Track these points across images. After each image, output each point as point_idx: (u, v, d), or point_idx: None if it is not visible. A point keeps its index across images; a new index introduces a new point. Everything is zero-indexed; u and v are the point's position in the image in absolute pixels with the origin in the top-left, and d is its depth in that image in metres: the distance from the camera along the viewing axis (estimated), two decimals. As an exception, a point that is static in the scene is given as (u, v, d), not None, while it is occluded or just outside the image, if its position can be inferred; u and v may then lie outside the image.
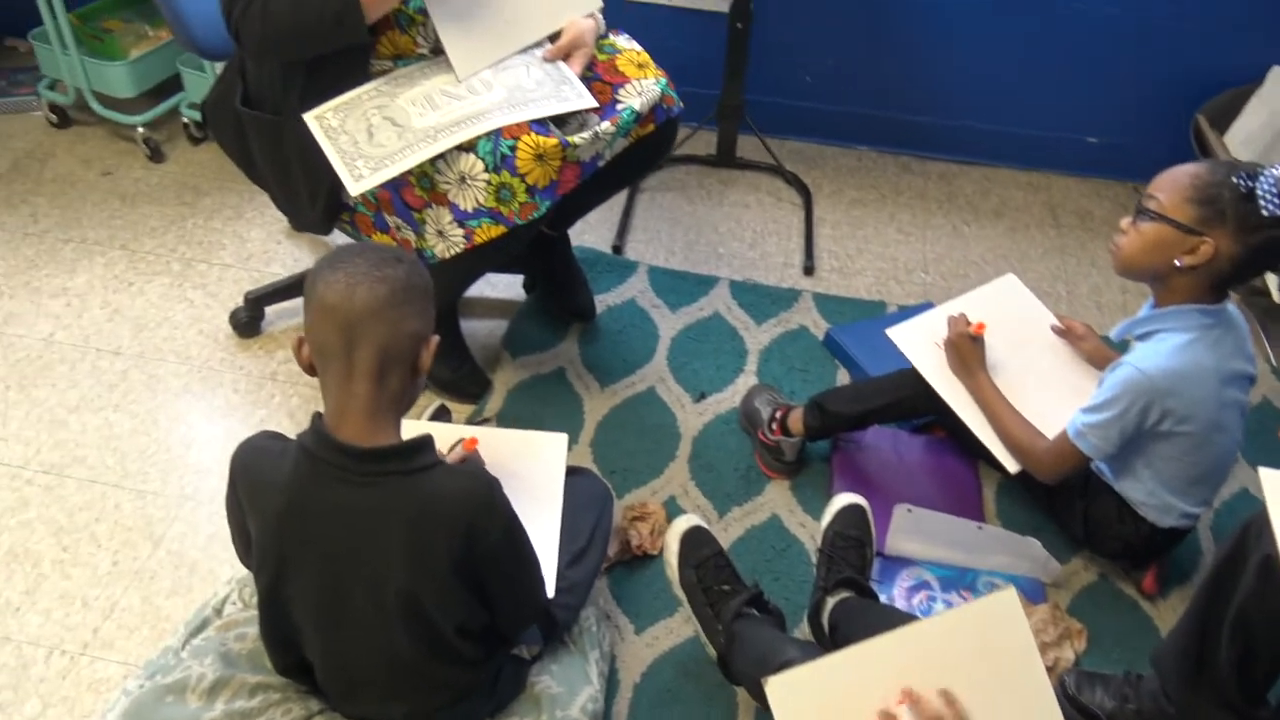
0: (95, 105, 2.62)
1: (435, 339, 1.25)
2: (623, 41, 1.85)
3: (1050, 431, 1.69)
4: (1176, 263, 1.53)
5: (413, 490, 1.21)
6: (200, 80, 2.60)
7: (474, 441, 1.56)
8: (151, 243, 2.41)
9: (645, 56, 1.83)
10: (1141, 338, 1.61)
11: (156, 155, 2.66)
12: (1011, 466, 1.73)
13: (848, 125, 2.84)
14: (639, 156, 1.84)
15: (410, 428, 1.29)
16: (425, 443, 1.23)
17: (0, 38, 3.09)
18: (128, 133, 2.70)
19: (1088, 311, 2.38)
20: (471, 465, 1.50)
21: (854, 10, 2.60)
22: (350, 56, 1.65)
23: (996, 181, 2.79)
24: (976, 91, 2.72)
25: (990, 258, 2.53)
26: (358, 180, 1.57)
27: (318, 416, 1.23)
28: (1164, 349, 1.55)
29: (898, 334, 1.86)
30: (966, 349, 1.77)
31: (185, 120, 2.70)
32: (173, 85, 2.70)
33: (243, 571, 1.52)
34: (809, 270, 2.46)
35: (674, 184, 2.69)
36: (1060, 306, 2.38)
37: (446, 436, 1.56)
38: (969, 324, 1.79)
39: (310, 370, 1.23)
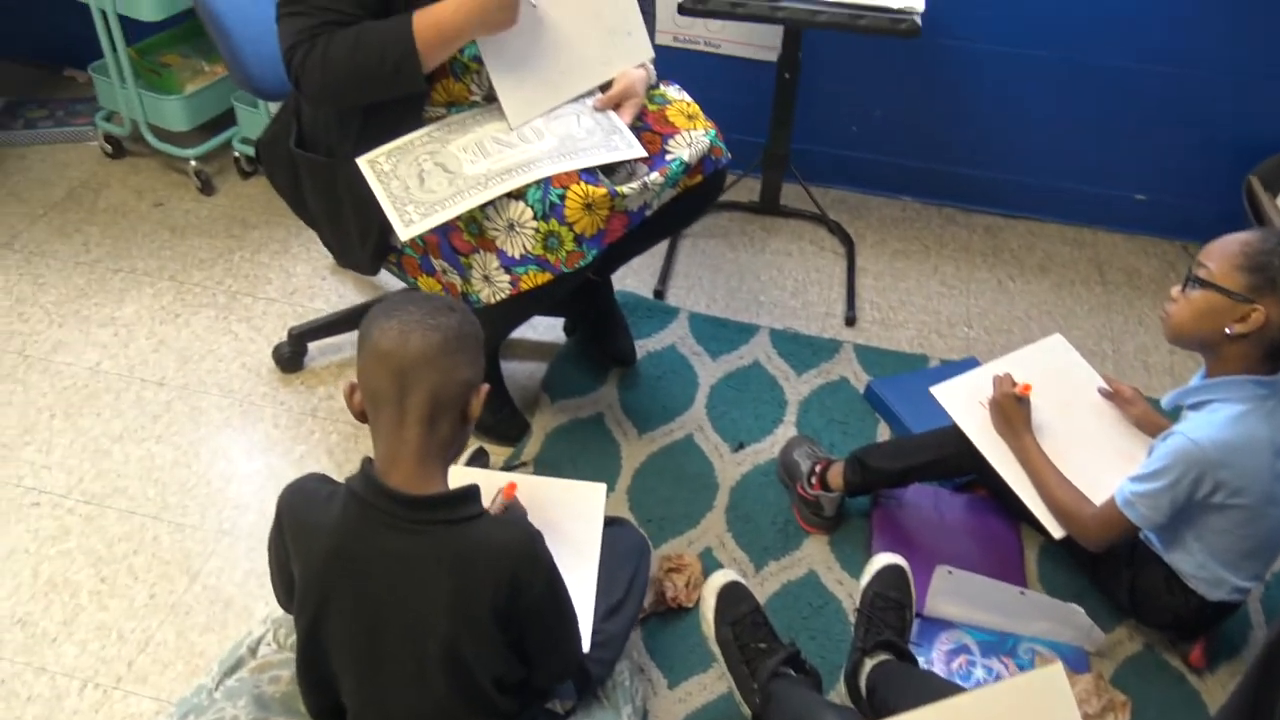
0: (150, 138, 2.67)
1: (485, 387, 1.27)
2: (673, 92, 1.86)
3: (1096, 497, 1.66)
4: (1227, 330, 1.52)
5: (458, 540, 1.21)
6: (253, 115, 2.65)
7: (513, 487, 1.56)
8: (199, 275, 2.44)
9: (695, 108, 1.84)
10: (1194, 407, 1.59)
11: (207, 188, 2.70)
12: (1056, 532, 1.70)
13: (892, 175, 2.84)
14: (685, 206, 1.85)
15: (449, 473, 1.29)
16: (472, 492, 1.24)
17: (60, 68, 3.17)
18: (180, 165, 2.74)
19: (1135, 372, 2.34)
20: (515, 516, 1.50)
21: (901, 62, 2.60)
22: (405, 103, 1.67)
23: (1042, 236, 2.77)
24: (1022, 145, 2.70)
25: (1035, 314, 2.50)
26: (408, 225, 1.59)
27: (368, 462, 1.24)
28: (1217, 420, 1.52)
29: (942, 392, 1.84)
30: (1012, 409, 1.75)
31: (236, 154, 2.74)
32: (226, 119, 2.75)
33: (278, 611, 1.52)
34: (850, 321, 2.44)
35: (717, 230, 2.69)
36: (1106, 366, 2.35)
37: (484, 483, 1.55)
38: (1015, 384, 1.77)
39: (361, 416, 1.25)
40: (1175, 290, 1.59)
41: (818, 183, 2.82)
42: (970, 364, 2.27)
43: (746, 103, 2.67)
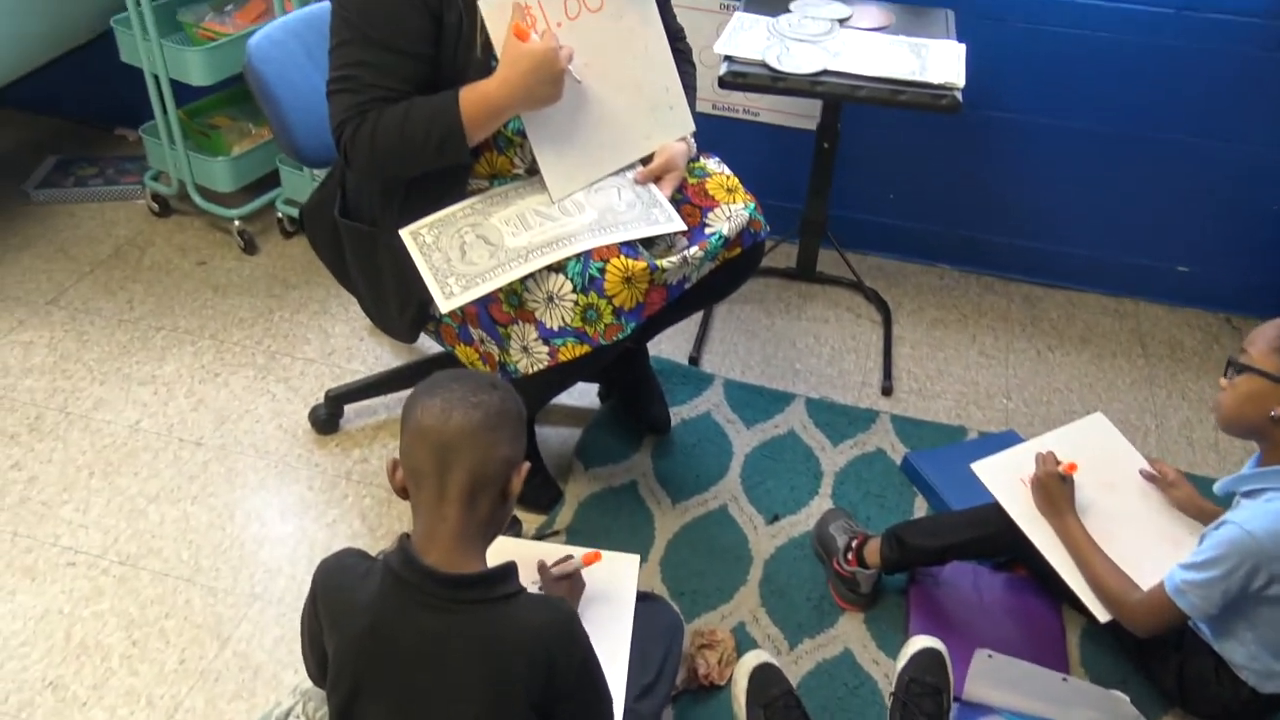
0: (196, 197, 2.72)
1: (526, 465, 1.27)
2: (713, 165, 1.87)
3: (1142, 581, 1.62)
4: (1273, 414, 1.50)
5: (495, 619, 1.20)
6: (298, 178, 2.69)
7: (596, 556, 1.56)
8: (239, 334, 2.47)
9: (735, 181, 1.84)
10: (1248, 495, 1.55)
11: (250, 247, 2.74)
12: (1102, 616, 1.65)
13: (930, 243, 2.83)
14: (724, 277, 1.85)
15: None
16: (509, 570, 1.23)
17: (112, 127, 3.25)
18: (224, 224, 2.79)
19: (1178, 448, 2.30)
20: (553, 596, 1.49)
21: (940, 131, 2.60)
22: (449, 175, 1.69)
23: (1082, 306, 2.74)
24: (1062, 215, 2.69)
25: (1075, 386, 2.47)
26: (448, 298, 1.59)
27: (405, 538, 1.23)
28: (1273, 510, 1.48)
29: (983, 469, 1.81)
30: (1056, 489, 1.72)
31: (280, 215, 2.78)
32: (270, 180, 2.79)
33: (307, 682, 1.50)
34: (887, 391, 2.42)
35: (753, 297, 2.69)
36: (1150, 441, 2.31)
37: (517, 554, 1.54)
38: (1058, 462, 1.74)
39: (402, 493, 1.26)
40: (1223, 380, 1.57)
41: (855, 249, 2.82)
42: (1009, 437, 2.23)
43: (784, 169, 2.69)
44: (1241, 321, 2.70)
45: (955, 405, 2.40)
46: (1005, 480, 1.80)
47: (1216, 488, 1.63)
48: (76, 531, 1.96)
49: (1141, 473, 1.82)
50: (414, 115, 1.59)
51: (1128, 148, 2.54)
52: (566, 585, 1.54)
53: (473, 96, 1.59)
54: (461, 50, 1.62)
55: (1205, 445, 2.32)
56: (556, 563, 1.58)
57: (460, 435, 1.20)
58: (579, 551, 1.62)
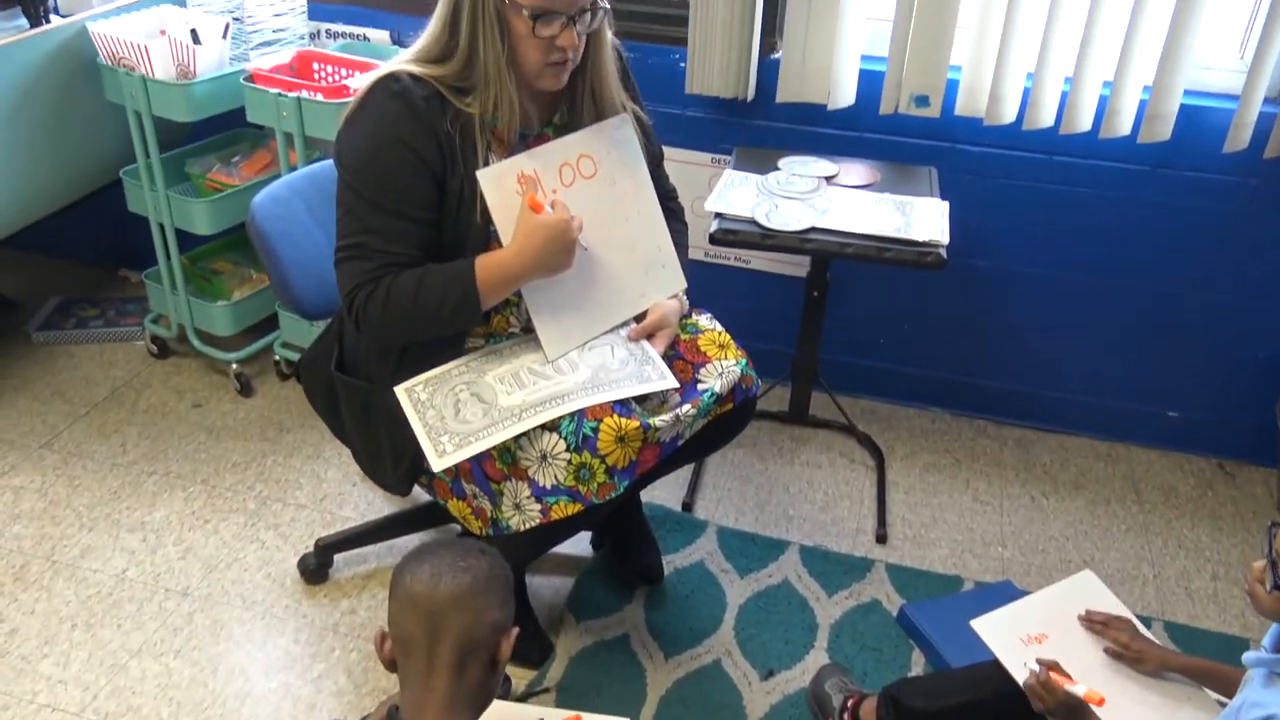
0: (195, 341, 2.76)
1: (515, 630, 1.28)
2: (704, 321, 1.91)
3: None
4: None
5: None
6: (296, 322, 2.73)
7: None
8: (231, 479, 2.46)
9: (726, 337, 1.87)
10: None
11: (246, 390, 2.76)
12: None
13: (922, 387, 2.86)
14: (716, 432, 1.86)
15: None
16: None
17: (116, 267, 3.31)
18: (222, 366, 2.81)
19: (1177, 600, 2.27)
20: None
21: (928, 279, 2.65)
22: (447, 335, 1.72)
23: (1074, 451, 2.75)
24: (1052, 360, 2.73)
25: (1071, 534, 2.46)
26: (441, 456, 1.60)
27: (394, 710, 1.22)
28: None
29: (983, 626, 1.78)
30: (1059, 703, 1.62)
31: (277, 358, 2.81)
32: (269, 323, 2.83)
33: None
34: (882, 538, 2.41)
35: (746, 441, 2.70)
36: (1148, 592, 2.28)
37: (507, 715, 1.51)
38: (1063, 671, 1.64)
39: (390, 665, 1.27)
40: (1257, 565, 1.51)
41: (847, 393, 2.84)
42: (1006, 588, 2.22)
43: (776, 314, 2.73)
44: (1235, 467, 2.70)
45: (950, 553, 2.38)
46: (1006, 639, 1.77)
47: (1248, 659, 1.56)
48: (55, 688, 1.92)
49: (1107, 651, 1.77)
50: (428, 282, 1.62)
51: (1110, 296, 2.59)
52: None
53: (488, 265, 1.63)
54: (463, 216, 1.67)
55: (1205, 596, 2.29)
56: None
57: (449, 600, 1.22)
58: (568, 715, 1.57)
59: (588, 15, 1.63)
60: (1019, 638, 1.77)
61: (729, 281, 2.78)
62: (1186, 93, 2.27)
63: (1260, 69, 2.18)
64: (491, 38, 1.59)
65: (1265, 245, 2.44)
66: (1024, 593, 2.18)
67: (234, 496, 2.41)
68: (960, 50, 2.33)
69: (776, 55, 2.50)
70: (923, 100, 2.37)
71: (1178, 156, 2.38)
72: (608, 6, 1.67)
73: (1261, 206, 2.40)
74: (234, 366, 2.75)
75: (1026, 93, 2.32)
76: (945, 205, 2.22)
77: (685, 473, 2.54)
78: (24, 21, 2.44)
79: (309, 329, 2.62)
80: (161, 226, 2.63)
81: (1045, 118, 2.34)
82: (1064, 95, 2.31)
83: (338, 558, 2.21)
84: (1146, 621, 2.14)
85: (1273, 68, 2.21)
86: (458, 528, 2.09)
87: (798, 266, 2.66)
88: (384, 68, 1.65)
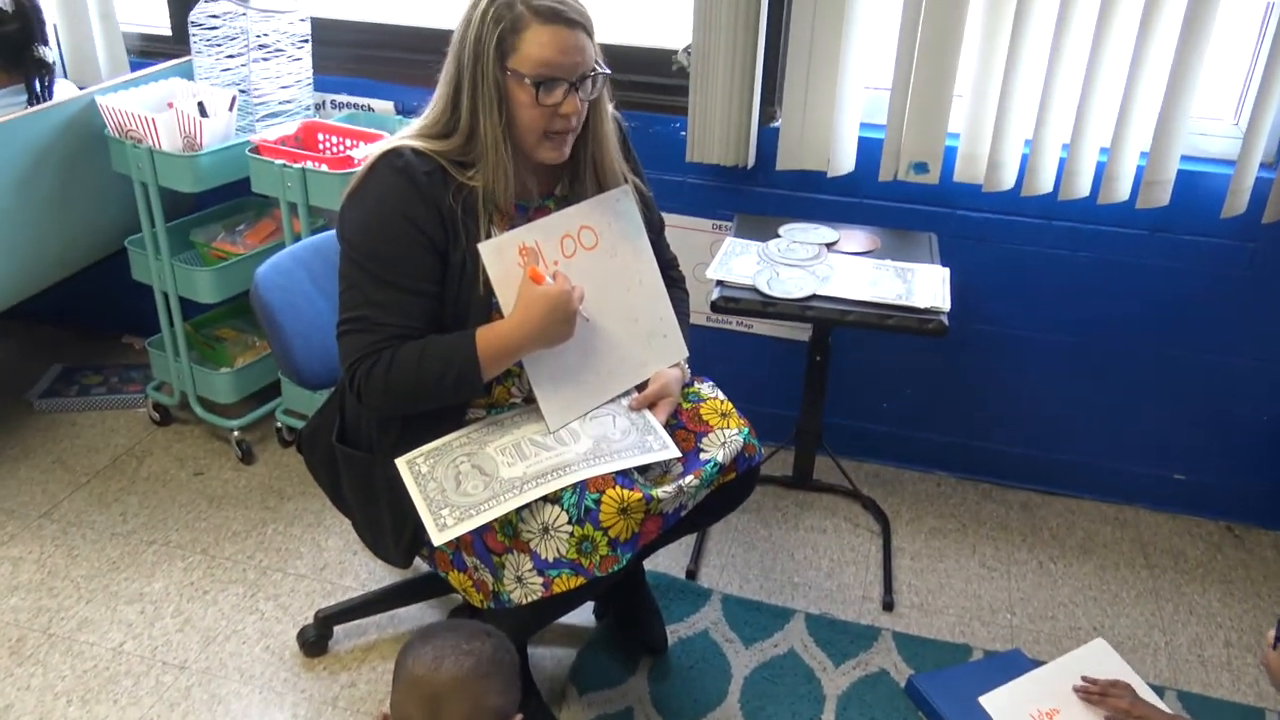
0: (197, 408, 2.76)
1: (519, 718, 1.25)
2: (706, 390, 1.90)
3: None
4: None
5: None
6: (298, 389, 2.72)
7: None
8: (231, 548, 2.44)
9: (729, 405, 1.87)
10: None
11: (247, 457, 2.75)
12: None
13: (926, 451, 2.84)
14: (719, 501, 1.84)
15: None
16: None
17: (119, 334, 3.32)
18: (223, 433, 2.81)
19: (1190, 667, 2.23)
20: None
21: (929, 343, 2.66)
22: (448, 405, 1.71)
23: (1081, 514, 2.73)
24: (1056, 423, 2.71)
25: (1080, 600, 2.43)
26: (442, 529, 1.59)
27: None
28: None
29: (992, 703, 1.77)
30: None
31: (279, 424, 2.81)
32: (271, 390, 2.83)
33: None
34: (888, 606, 2.38)
35: (750, 506, 2.68)
36: (1159, 660, 2.25)
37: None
38: None
39: None
40: (1270, 634, 1.50)
41: (851, 457, 2.83)
42: (1015, 656, 2.18)
43: (779, 378, 2.73)
44: (1243, 530, 2.68)
45: (958, 621, 2.35)
46: (1016, 716, 1.75)
47: None
48: (48, 767, 1.89)
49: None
50: (430, 354, 1.62)
51: (1113, 359, 2.59)
52: None
53: (489, 336, 1.64)
54: (465, 288, 1.67)
55: (1218, 664, 2.25)
56: None
57: (451, 684, 1.21)
58: None
59: (589, 82, 1.65)
60: (1029, 714, 1.75)
61: (731, 346, 2.78)
62: (1183, 158, 2.29)
63: (1256, 134, 2.20)
64: (490, 110, 1.61)
65: (1266, 308, 2.44)
66: (1033, 662, 2.16)
67: (234, 566, 2.39)
68: (958, 118, 2.36)
69: (776, 123, 2.53)
70: (922, 167, 2.39)
71: (1177, 221, 2.40)
72: (609, 72, 1.69)
73: (1262, 271, 2.40)
74: (235, 434, 2.74)
75: (1025, 159, 2.34)
76: (946, 271, 2.22)
77: (689, 540, 2.52)
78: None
79: (311, 396, 2.62)
80: (165, 295, 2.65)
81: (1044, 184, 2.35)
82: (1062, 162, 2.33)
83: (337, 629, 2.19)
84: (1160, 691, 2.10)
85: (1268, 133, 2.24)
86: (459, 597, 2.06)
87: (800, 331, 2.67)
88: (387, 143, 1.67)
